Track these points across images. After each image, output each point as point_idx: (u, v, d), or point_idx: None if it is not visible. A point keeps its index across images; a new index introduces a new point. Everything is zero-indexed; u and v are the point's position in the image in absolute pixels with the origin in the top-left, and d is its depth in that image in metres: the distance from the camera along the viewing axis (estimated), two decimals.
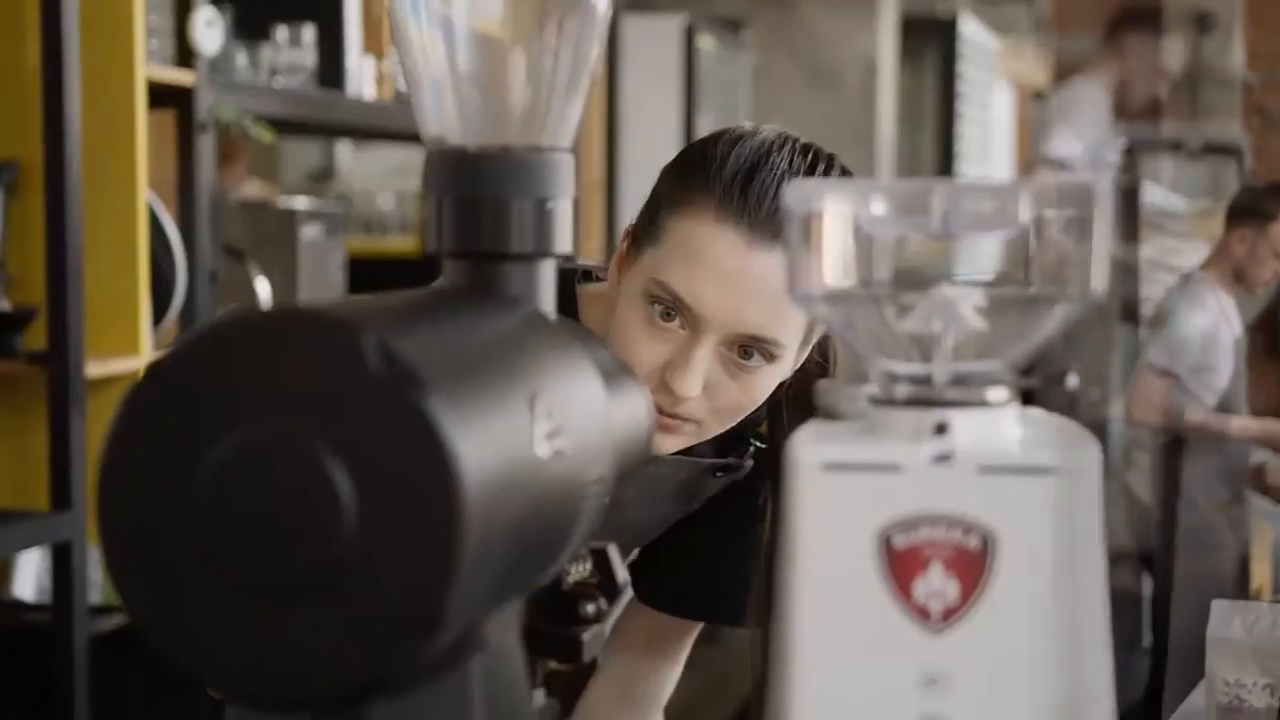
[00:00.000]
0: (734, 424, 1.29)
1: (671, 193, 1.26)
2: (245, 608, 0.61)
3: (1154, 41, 4.40)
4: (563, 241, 0.82)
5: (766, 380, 1.26)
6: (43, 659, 2.33)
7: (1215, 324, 4.21)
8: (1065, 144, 4.26)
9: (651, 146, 5.03)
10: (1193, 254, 4.58)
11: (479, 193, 0.79)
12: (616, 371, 0.83)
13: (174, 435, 0.61)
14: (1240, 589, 4.24)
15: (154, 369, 0.61)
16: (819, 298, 0.70)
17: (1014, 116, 9.28)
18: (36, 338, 2.38)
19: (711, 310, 1.21)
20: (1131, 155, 4.60)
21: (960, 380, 0.70)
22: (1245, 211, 4.28)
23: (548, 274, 0.81)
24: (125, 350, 2.47)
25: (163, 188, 2.65)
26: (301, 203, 3.18)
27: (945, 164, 7.36)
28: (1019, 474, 0.67)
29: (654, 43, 4.75)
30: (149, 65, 2.53)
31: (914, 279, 0.72)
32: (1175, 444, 4.30)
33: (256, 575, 0.60)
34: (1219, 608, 2.04)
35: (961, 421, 0.68)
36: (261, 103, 2.86)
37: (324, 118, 3.16)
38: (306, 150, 5.32)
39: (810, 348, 1.32)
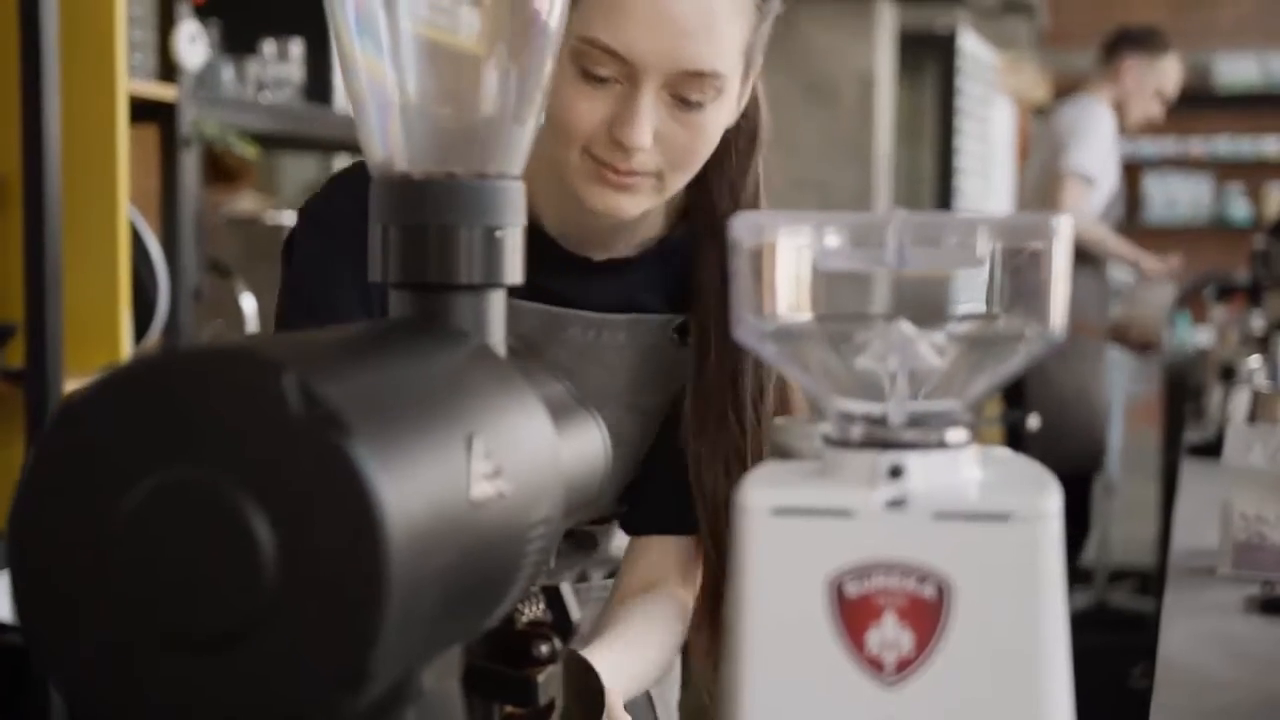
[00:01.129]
0: (691, 174, 1.25)
1: None
2: (162, 659, 0.58)
3: (1149, 65, 4.44)
4: (513, 272, 0.79)
5: (715, 119, 1.23)
6: (19, 679, 2.30)
7: (1112, 138, 4.38)
8: (1088, 157, 4.29)
9: None
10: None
11: (425, 221, 0.77)
12: (567, 405, 0.80)
13: (88, 479, 0.58)
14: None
15: (67, 409, 0.59)
16: (768, 333, 0.67)
17: (1014, 131, 9.25)
18: (15, 355, 2.35)
19: (643, 53, 1.17)
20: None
21: (917, 420, 0.67)
22: (1138, 43, 4.43)
23: (497, 304, 0.79)
24: (106, 368, 2.44)
25: (146, 203, 2.62)
26: (290, 218, 3.16)
27: (944, 179, 7.33)
28: (977, 520, 0.64)
29: None
30: (132, 80, 2.50)
31: (868, 316, 0.69)
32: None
33: (173, 625, 0.58)
34: (1235, 432, 1.94)
35: (917, 464, 0.66)
36: (247, 117, 2.83)
37: (310, 132, 3.14)
38: (303, 163, 5.31)
39: (751, 85, 1.29)
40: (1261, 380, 2.92)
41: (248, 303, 2.90)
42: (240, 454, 0.57)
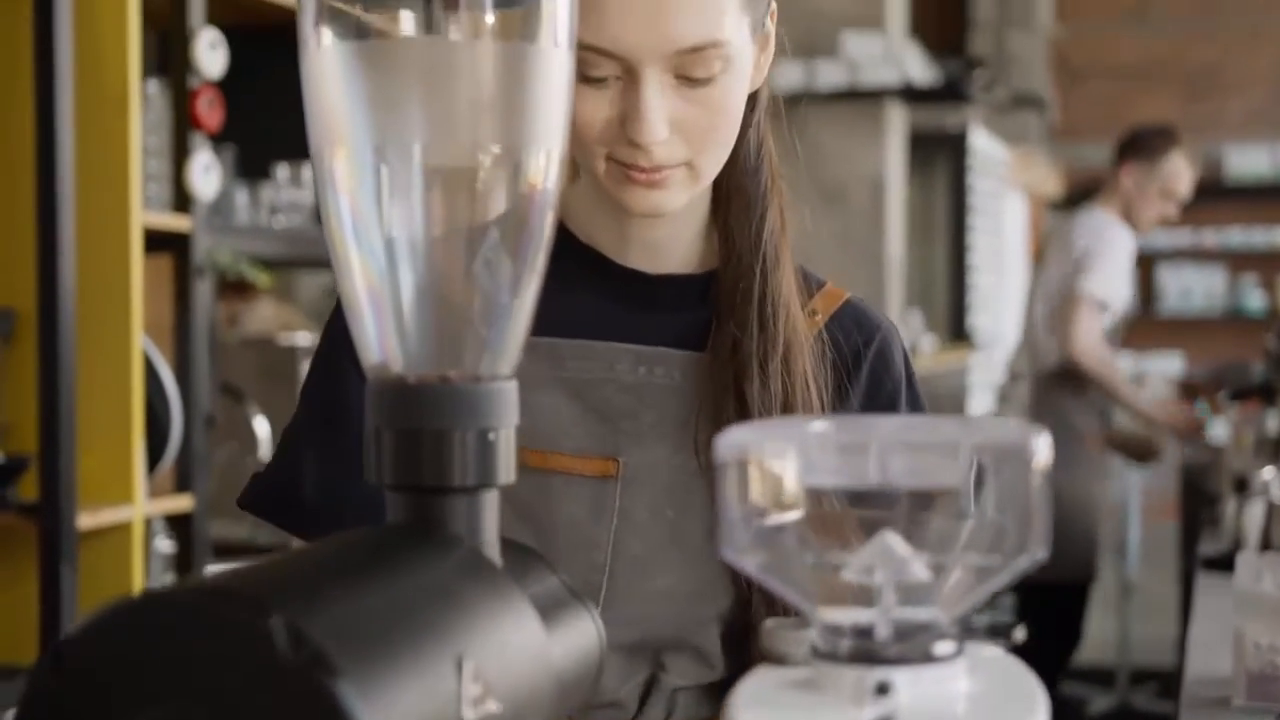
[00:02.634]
0: (723, 153, 1.17)
1: None
2: None
3: (1148, 169, 4.48)
4: (506, 472, 0.80)
5: (732, 90, 1.15)
6: None
7: (1130, 256, 4.40)
8: (1105, 283, 4.28)
9: None
10: None
11: (420, 425, 0.78)
12: (559, 600, 0.81)
13: (78, 718, 0.59)
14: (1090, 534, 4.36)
15: (58, 648, 0.59)
16: (751, 548, 0.68)
17: (1027, 225, 9.29)
18: (29, 488, 2.36)
19: (631, 44, 1.10)
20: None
21: (904, 633, 0.68)
22: (1134, 149, 4.47)
23: (490, 505, 0.79)
24: (119, 500, 2.46)
25: (159, 330, 2.65)
26: (303, 339, 3.18)
27: (957, 277, 7.36)
28: None
29: None
30: (147, 211, 2.53)
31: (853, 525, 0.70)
32: (1063, 374, 4.43)
33: None
34: (1245, 560, 1.91)
35: (905, 680, 0.66)
36: (260, 244, 2.86)
37: (323, 255, 3.17)
38: (320, 277, 5.35)
39: (771, 39, 1.21)
40: (1277, 492, 2.90)
41: (260, 426, 2.92)
42: (229, 695, 0.58)
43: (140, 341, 2.48)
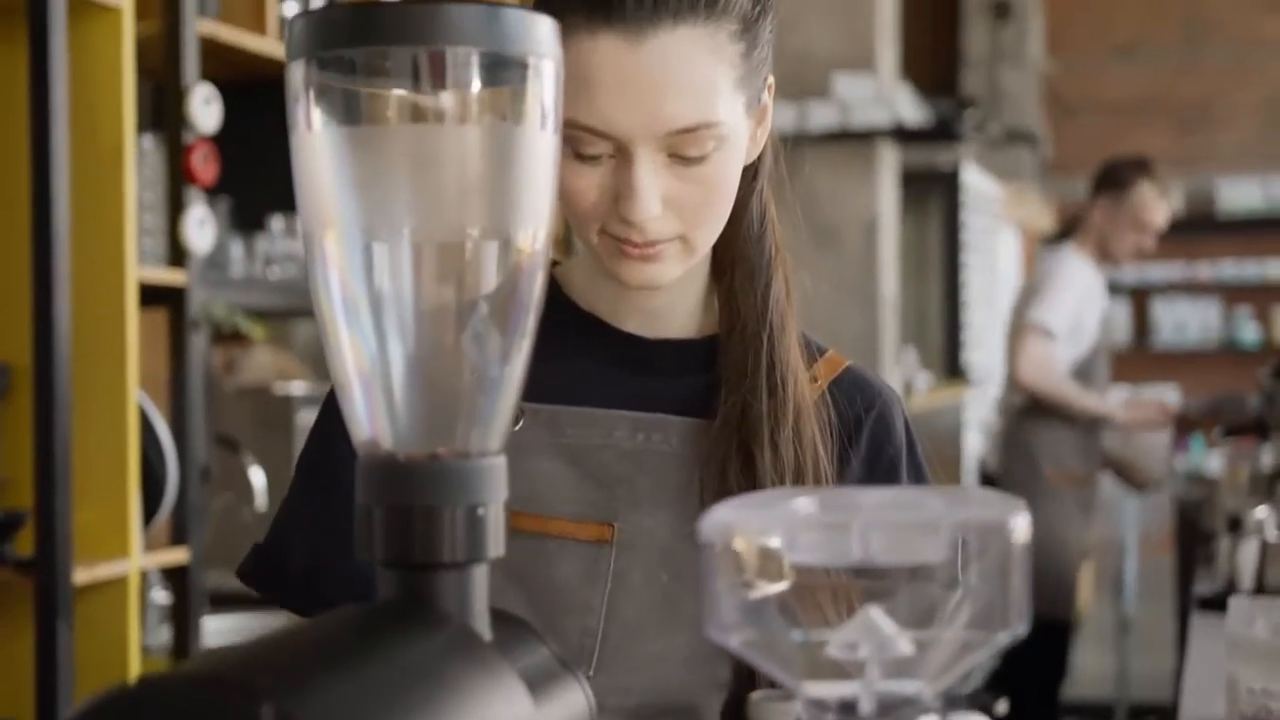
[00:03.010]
0: (717, 227, 1.17)
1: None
2: None
3: (1115, 201, 4.50)
4: (495, 546, 0.81)
5: (724, 167, 1.15)
6: None
7: (1089, 290, 4.41)
8: (1051, 312, 4.33)
9: None
10: None
11: (410, 502, 0.79)
12: (549, 672, 0.82)
13: None
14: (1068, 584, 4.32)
15: None
16: (737, 626, 0.69)
17: (1020, 260, 9.32)
18: (25, 543, 2.37)
19: (623, 126, 1.10)
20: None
21: (888, 707, 0.69)
22: (1104, 182, 4.49)
23: (480, 579, 0.80)
24: (115, 554, 2.46)
25: (155, 383, 2.66)
26: (299, 387, 3.19)
27: (951, 313, 7.38)
28: None
29: None
30: (142, 266, 2.55)
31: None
32: (1031, 410, 4.41)
33: None
34: (1238, 605, 1.91)
35: None
36: (255, 295, 2.88)
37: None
38: (315, 325, 5.35)
39: (767, 114, 1.21)
40: (1271, 531, 2.91)
41: (257, 476, 2.92)
42: None
43: (136, 396, 2.49)
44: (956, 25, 9.71)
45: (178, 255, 2.64)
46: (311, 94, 0.77)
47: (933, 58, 9.49)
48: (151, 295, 2.60)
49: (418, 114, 0.83)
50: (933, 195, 7.17)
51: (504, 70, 0.78)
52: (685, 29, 1.10)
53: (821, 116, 5.13)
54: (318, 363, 3.67)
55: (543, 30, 0.78)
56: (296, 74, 0.77)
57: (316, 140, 0.78)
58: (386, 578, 0.80)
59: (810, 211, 4.35)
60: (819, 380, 1.27)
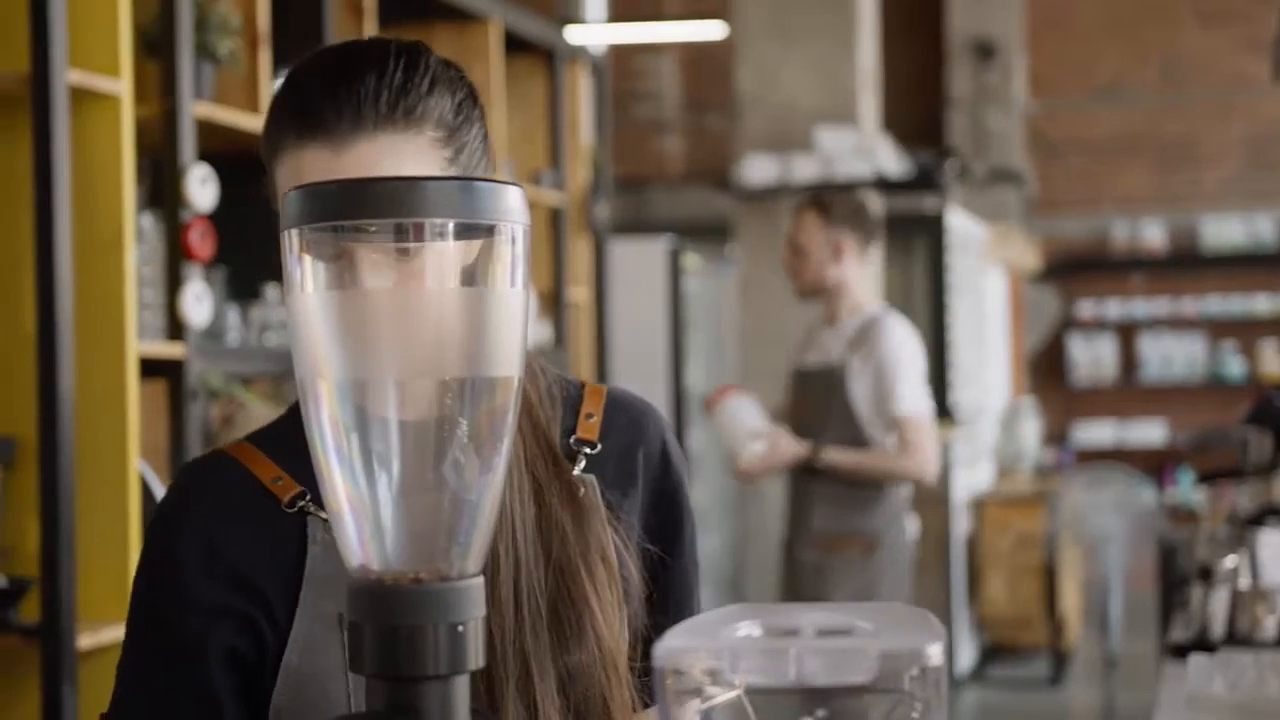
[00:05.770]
0: None
1: (268, 151, 1.23)
2: None
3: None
4: (475, 658, 0.90)
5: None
6: None
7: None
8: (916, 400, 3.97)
9: (640, 365, 5.15)
10: None
11: (396, 621, 0.88)
12: None
13: None
14: None
15: None
16: None
17: (1007, 299, 9.43)
18: (30, 610, 2.45)
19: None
20: None
21: None
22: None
23: (462, 689, 0.89)
24: (118, 619, 2.54)
25: (154, 452, 2.74)
26: None
27: (938, 354, 7.46)
28: None
29: (640, 262, 4.88)
30: (142, 340, 2.63)
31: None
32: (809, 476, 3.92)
33: None
34: (1197, 662, 1.98)
35: None
36: (250, 365, 2.97)
37: None
38: None
39: None
40: (1242, 580, 2.98)
41: None
42: None
43: (136, 465, 2.58)
44: (941, 67, 9.84)
45: (176, 329, 2.73)
46: (306, 260, 0.87)
47: (918, 99, 9.62)
48: (151, 367, 2.69)
49: (400, 277, 0.92)
50: (918, 238, 7.27)
51: (476, 236, 0.87)
52: (385, 136, 1.18)
53: (804, 169, 5.24)
54: None
55: (511, 199, 0.87)
56: (292, 242, 0.86)
57: (309, 302, 0.87)
58: (375, 690, 0.88)
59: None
60: (595, 416, 1.31)
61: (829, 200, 4.02)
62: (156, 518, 1.30)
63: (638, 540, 1.30)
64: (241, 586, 1.24)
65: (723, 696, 0.80)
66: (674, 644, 0.78)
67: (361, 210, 0.86)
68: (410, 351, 0.88)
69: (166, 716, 1.23)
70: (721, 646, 0.78)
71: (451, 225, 0.86)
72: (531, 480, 1.25)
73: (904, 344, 3.93)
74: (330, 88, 1.19)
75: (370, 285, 1.01)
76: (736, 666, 0.78)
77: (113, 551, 2.55)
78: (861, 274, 3.97)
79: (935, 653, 0.76)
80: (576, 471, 1.27)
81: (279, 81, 3.08)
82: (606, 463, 1.30)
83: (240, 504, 1.26)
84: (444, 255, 0.87)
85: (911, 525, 4.10)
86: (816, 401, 3.92)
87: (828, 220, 3.89)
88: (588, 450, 1.29)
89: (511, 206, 0.88)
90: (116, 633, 2.55)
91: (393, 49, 1.22)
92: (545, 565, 1.23)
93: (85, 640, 2.47)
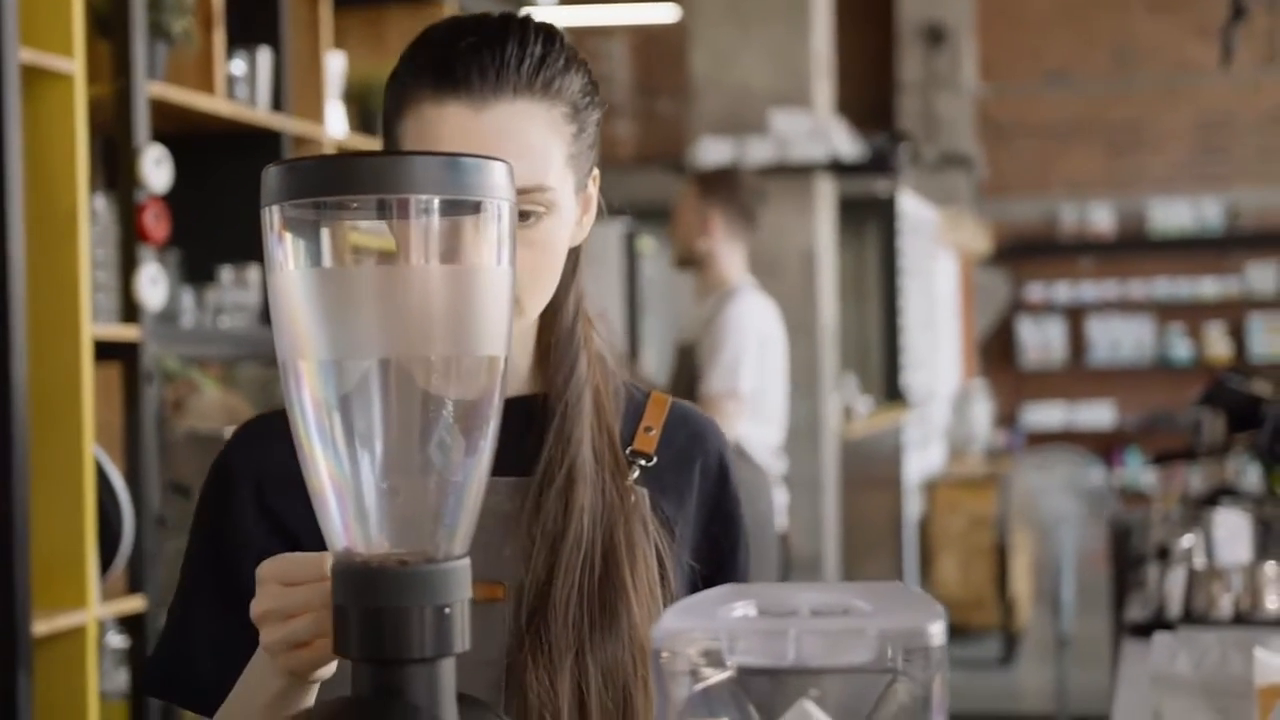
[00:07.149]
0: (545, 294, 1.24)
1: (393, 103, 1.24)
2: None
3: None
4: (462, 640, 0.88)
5: (555, 234, 1.23)
6: None
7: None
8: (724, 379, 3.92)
9: None
10: None
11: (380, 604, 0.86)
12: None
13: None
14: None
15: None
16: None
17: (958, 282, 9.47)
18: None
19: None
20: None
21: None
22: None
23: (448, 672, 0.88)
24: (73, 604, 2.51)
25: (109, 434, 2.71)
26: None
27: (890, 337, 7.49)
28: None
29: (595, 246, 4.83)
30: (96, 323, 2.60)
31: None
32: None
33: None
34: (1161, 641, 1.98)
35: None
36: (205, 348, 2.93)
37: (267, 353, 3.24)
38: (265, 369, 5.38)
39: (594, 205, 1.29)
40: (1198, 559, 2.99)
41: None
42: None
43: (91, 450, 2.54)
44: (891, 52, 9.85)
45: (130, 311, 2.69)
46: (287, 237, 0.85)
47: (869, 84, 9.63)
48: (105, 350, 2.65)
49: (384, 254, 0.90)
50: (870, 222, 7.28)
51: (462, 212, 0.86)
52: (523, 102, 1.21)
53: (759, 151, 5.23)
54: (266, 402, 3.72)
55: (497, 175, 0.86)
56: (272, 218, 0.85)
57: (290, 280, 0.85)
58: (361, 673, 0.87)
59: (750, 244, 4.33)
60: (654, 429, 1.32)
61: (708, 176, 4.20)
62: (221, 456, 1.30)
63: (686, 559, 1.31)
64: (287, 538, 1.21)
65: (717, 677, 0.79)
66: (671, 625, 0.77)
67: (344, 186, 0.85)
68: (394, 330, 0.86)
69: (218, 645, 1.23)
70: (719, 627, 0.77)
71: (437, 202, 0.85)
72: (595, 470, 1.26)
73: (738, 321, 3.91)
74: (475, 49, 1.21)
75: (353, 261, 0.99)
76: (734, 648, 0.77)
77: (68, 537, 2.52)
78: (730, 250, 3.99)
79: (936, 632, 0.75)
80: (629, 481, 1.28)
81: (236, 61, 3.07)
82: (663, 475, 1.31)
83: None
84: (430, 231, 0.85)
85: (780, 499, 4.02)
86: (679, 378, 3.99)
87: (701, 194, 4.02)
88: (642, 463, 1.30)
89: (498, 183, 0.87)
90: (71, 618, 2.51)
91: (532, 24, 1.25)
92: (595, 553, 1.24)
93: (40, 627, 2.44)
